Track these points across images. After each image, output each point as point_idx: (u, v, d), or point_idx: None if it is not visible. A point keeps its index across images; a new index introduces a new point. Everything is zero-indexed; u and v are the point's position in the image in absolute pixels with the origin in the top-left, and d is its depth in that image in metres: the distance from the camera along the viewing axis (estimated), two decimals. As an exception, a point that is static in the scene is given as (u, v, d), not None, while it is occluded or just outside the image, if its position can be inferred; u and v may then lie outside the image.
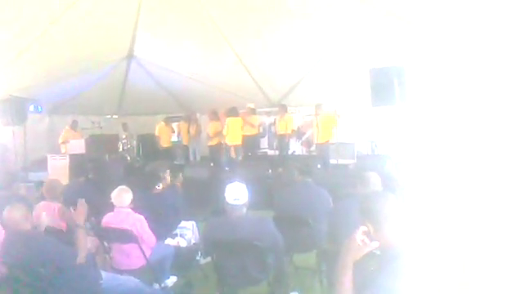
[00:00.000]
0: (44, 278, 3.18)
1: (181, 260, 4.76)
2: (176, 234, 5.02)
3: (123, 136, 13.13)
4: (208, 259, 4.90)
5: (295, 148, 12.02)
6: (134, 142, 13.51)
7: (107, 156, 12.01)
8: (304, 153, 12.09)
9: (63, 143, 10.96)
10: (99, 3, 8.28)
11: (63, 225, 4.28)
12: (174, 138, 13.12)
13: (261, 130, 12.22)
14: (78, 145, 10.39)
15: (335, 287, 2.13)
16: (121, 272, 4.08)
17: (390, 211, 2.08)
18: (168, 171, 5.44)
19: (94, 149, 11.12)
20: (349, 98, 10.71)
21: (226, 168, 10.48)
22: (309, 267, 4.76)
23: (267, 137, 13.14)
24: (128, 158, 12.68)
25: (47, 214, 3.97)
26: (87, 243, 3.91)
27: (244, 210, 3.75)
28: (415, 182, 5.51)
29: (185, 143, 12.45)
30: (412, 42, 7.56)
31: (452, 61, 6.63)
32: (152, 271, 4.26)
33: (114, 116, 14.40)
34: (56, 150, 10.81)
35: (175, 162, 11.64)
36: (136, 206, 4.43)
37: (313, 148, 11.49)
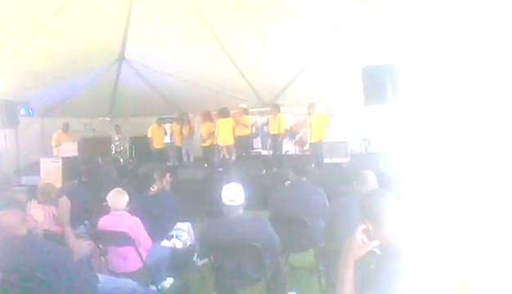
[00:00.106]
0: (41, 282, 3.15)
1: (178, 262, 4.75)
2: (172, 236, 5.01)
3: (116, 138, 13.06)
4: (205, 260, 4.90)
5: (288, 147, 12.06)
6: (127, 144, 13.45)
7: (100, 158, 11.97)
8: (298, 152, 12.13)
9: (56, 146, 10.89)
10: (89, 6, 8.24)
11: (58, 229, 4.24)
12: (167, 139, 13.08)
13: (254, 130, 12.23)
14: (70, 148, 10.34)
15: (336, 285, 2.14)
16: (118, 275, 4.05)
17: (390, 209, 2.08)
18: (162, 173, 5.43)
19: (87, 152, 11.08)
20: (341, 97, 10.75)
21: (220, 169, 10.46)
22: (306, 266, 4.77)
23: (259, 137, 13.16)
24: (121, 160, 12.62)
25: (43, 218, 3.93)
26: (76, 241, 3.91)
27: (241, 210, 3.75)
28: (409, 180, 5.53)
29: (178, 144, 12.40)
30: (404, 41, 7.60)
31: (445, 59, 6.67)
32: (149, 273, 4.24)
33: (107, 118, 14.34)
34: (48, 153, 10.75)
35: (168, 164, 11.61)
36: (131, 208, 4.41)
37: (306, 147, 11.54)
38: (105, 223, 4.20)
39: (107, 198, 4.29)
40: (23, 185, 8.01)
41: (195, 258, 5.03)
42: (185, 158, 12.20)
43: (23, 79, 9.64)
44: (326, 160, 9.77)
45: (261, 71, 10.96)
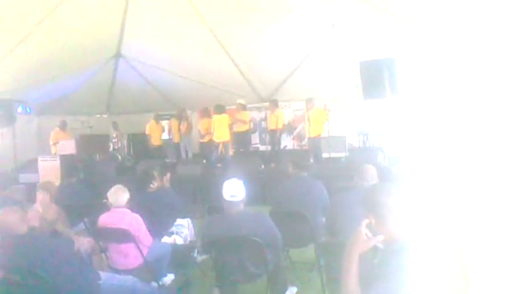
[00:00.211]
0: (43, 279, 3.15)
1: (178, 258, 4.75)
2: (172, 232, 5.01)
3: (114, 136, 13.05)
4: (205, 256, 4.91)
5: (286, 143, 12.07)
6: (125, 141, 13.43)
7: (98, 156, 11.96)
8: (296, 147, 12.15)
9: (54, 144, 10.86)
10: (86, 3, 8.21)
11: (58, 226, 4.24)
12: (165, 136, 13.06)
13: (252, 125, 12.21)
14: (68, 146, 10.31)
15: (338, 280, 2.13)
16: (118, 272, 4.05)
17: (393, 203, 2.07)
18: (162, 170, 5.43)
19: (85, 150, 11.06)
20: (339, 91, 10.76)
21: (219, 165, 10.47)
22: (306, 261, 4.78)
23: (258, 133, 13.16)
24: (119, 158, 12.62)
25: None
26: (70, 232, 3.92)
27: (242, 206, 3.75)
28: (409, 174, 5.54)
29: (176, 140, 12.38)
30: (402, 35, 7.59)
31: (443, 53, 6.67)
32: (150, 270, 4.23)
33: (104, 115, 14.30)
34: (45, 151, 10.72)
35: (166, 160, 11.60)
36: (131, 205, 4.40)
37: (305, 142, 11.55)
38: (105, 220, 4.19)
39: (108, 194, 4.28)
40: (21, 183, 7.99)
41: (195, 254, 5.03)
42: (183, 155, 12.19)
43: (20, 77, 9.59)
44: (325, 155, 9.79)
45: (258, 66, 10.93)
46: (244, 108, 11.37)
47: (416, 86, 6.86)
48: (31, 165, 10.04)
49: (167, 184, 5.63)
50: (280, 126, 10.94)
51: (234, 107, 11.43)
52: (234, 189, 3.71)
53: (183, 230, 5.12)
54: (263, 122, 12.84)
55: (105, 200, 4.95)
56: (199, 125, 11.74)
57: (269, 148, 11.85)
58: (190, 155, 12.21)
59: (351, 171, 5.26)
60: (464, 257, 2.65)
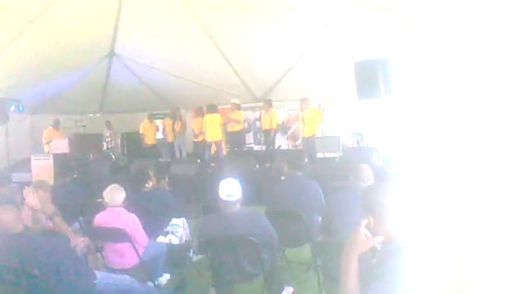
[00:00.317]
0: (39, 279, 3.13)
1: (174, 258, 4.74)
2: (167, 232, 5.00)
3: (107, 135, 12.99)
4: (201, 256, 4.91)
5: (281, 142, 12.09)
6: (118, 140, 13.37)
7: (91, 155, 11.90)
8: (290, 147, 12.17)
9: (47, 143, 10.80)
10: (79, 1, 8.16)
11: (57, 222, 4.21)
12: (159, 135, 13.02)
13: (246, 125, 12.21)
14: (61, 145, 10.26)
15: (334, 279, 2.13)
16: (114, 271, 4.04)
17: (392, 203, 2.08)
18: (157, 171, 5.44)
19: (78, 149, 11.01)
20: (333, 91, 10.78)
21: (212, 164, 10.46)
22: (302, 261, 4.79)
23: (252, 132, 13.16)
24: (113, 157, 12.56)
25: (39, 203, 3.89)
26: (68, 229, 3.90)
27: (238, 206, 3.75)
28: (404, 174, 5.57)
29: (170, 140, 12.35)
30: (397, 35, 7.62)
31: (438, 54, 6.71)
32: (146, 269, 4.22)
33: (97, 114, 14.23)
34: (38, 150, 10.67)
35: (160, 160, 11.57)
36: (126, 205, 4.39)
37: (299, 142, 11.57)
38: (101, 219, 4.17)
39: (104, 193, 4.26)
40: (14, 182, 7.93)
41: (190, 254, 5.02)
42: (177, 154, 12.17)
43: (12, 76, 9.52)
44: (319, 155, 9.82)
45: (253, 66, 10.93)
46: (238, 107, 11.36)
47: (411, 87, 6.89)
48: (24, 164, 9.99)
49: (166, 187, 5.64)
50: (275, 125, 10.94)
51: (228, 106, 11.41)
52: (230, 189, 3.72)
53: (178, 230, 5.12)
54: (257, 122, 12.85)
55: (99, 199, 4.94)
56: (192, 124, 11.71)
57: (263, 147, 11.87)
58: (184, 155, 12.19)
59: (346, 171, 5.29)
60: (461, 256, 2.67)
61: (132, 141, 13.28)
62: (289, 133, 12.42)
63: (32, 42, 8.71)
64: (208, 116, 10.65)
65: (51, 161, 9.35)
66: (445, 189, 3.69)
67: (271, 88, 11.85)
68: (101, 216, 4.21)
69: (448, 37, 6.49)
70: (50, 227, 4.09)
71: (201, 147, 11.37)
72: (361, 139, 10.88)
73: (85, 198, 6.17)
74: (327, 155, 9.76)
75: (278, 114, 11.34)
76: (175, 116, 12.05)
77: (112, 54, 11.16)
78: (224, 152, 11.17)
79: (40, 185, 4.47)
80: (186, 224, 5.37)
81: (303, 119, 10.18)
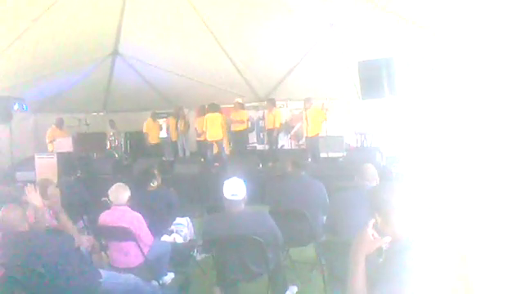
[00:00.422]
0: (43, 277, 3.14)
1: (178, 257, 4.75)
2: (172, 231, 5.00)
3: (111, 134, 13.00)
4: (205, 255, 4.91)
5: (284, 142, 12.07)
6: (122, 139, 13.37)
7: (95, 154, 11.91)
8: (293, 146, 12.15)
9: (50, 142, 10.81)
10: (83, 0, 8.17)
11: (59, 225, 4.22)
12: (163, 134, 13.02)
13: (249, 124, 12.20)
14: (65, 144, 10.25)
15: (346, 281, 2.11)
16: (119, 270, 4.04)
17: (400, 202, 2.07)
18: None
19: (81, 147, 11.01)
20: (337, 91, 10.77)
21: (216, 164, 10.45)
22: (306, 261, 4.78)
23: (255, 132, 13.15)
24: (116, 156, 12.57)
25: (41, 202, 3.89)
26: (73, 228, 3.91)
27: (243, 205, 3.76)
28: (408, 174, 5.56)
29: (173, 139, 12.36)
30: (401, 35, 7.60)
31: (442, 53, 6.70)
32: (150, 268, 4.23)
33: (101, 113, 14.25)
34: (42, 149, 10.67)
35: (163, 159, 11.57)
36: (131, 204, 4.39)
37: (302, 141, 11.56)
38: (106, 218, 4.18)
39: (109, 192, 4.26)
40: (18, 181, 7.95)
41: (194, 253, 5.03)
42: (180, 153, 12.17)
43: (16, 74, 9.53)
44: (322, 154, 9.79)
45: (256, 65, 10.93)
46: (241, 107, 11.34)
47: (415, 87, 6.87)
48: (28, 163, 10.00)
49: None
50: (278, 125, 10.92)
51: (231, 106, 11.42)
52: (235, 188, 3.72)
53: (183, 229, 5.12)
54: (261, 121, 12.83)
55: (103, 198, 4.95)
56: (195, 123, 11.70)
57: (266, 147, 11.85)
58: (187, 154, 12.19)
59: (350, 170, 5.27)
60: (466, 256, 2.67)
61: (136, 140, 13.28)
62: (292, 132, 12.41)
63: (35, 41, 8.73)
64: (208, 115, 10.62)
65: (54, 159, 9.35)
66: (450, 189, 3.69)
67: (275, 87, 11.85)
68: (106, 214, 4.21)
69: (452, 37, 6.47)
70: (54, 225, 4.09)
71: (204, 146, 11.37)
72: (365, 139, 10.85)
73: (89, 197, 6.19)
74: (330, 155, 9.74)
75: (281, 114, 11.32)
76: (178, 115, 12.05)
77: (115, 53, 11.18)
78: (227, 151, 11.17)
79: (50, 183, 4.50)
80: (191, 224, 5.37)
81: (306, 119, 10.17)
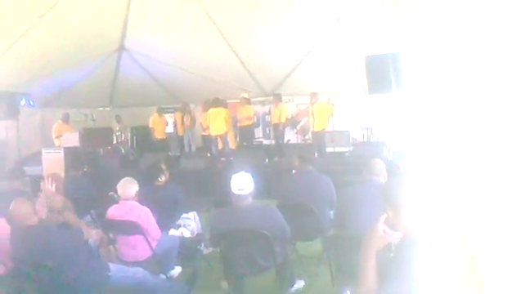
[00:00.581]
0: (52, 271, 3.17)
1: (186, 251, 4.77)
2: (179, 225, 5.02)
3: (117, 129, 13.03)
4: (212, 249, 4.93)
5: (290, 137, 12.07)
6: (128, 134, 13.40)
7: (101, 149, 11.96)
8: (299, 141, 12.13)
9: (57, 137, 10.87)
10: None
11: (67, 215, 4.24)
12: (169, 129, 13.04)
13: (255, 119, 12.20)
14: (72, 138, 10.30)
15: (357, 277, 2.11)
16: (127, 264, 4.07)
17: (413, 196, 2.06)
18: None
19: (88, 142, 11.05)
20: (343, 86, 10.73)
21: (222, 159, 10.46)
22: (313, 255, 4.79)
23: (261, 127, 13.16)
24: (123, 151, 12.61)
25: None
26: (79, 222, 3.94)
27: (250, 199, 3.76)
28: (415, 169, 5.53)
29: (180, 134, 12.39)
30: (408, 29, 7.54)
31: (450, 48, 6.65)
32: (158, 262, 4.26)
33: (107, 108, 14.29)
34: (49, 144, 10.72)
35: (169, 154, 11.59)
36: (139, 199, 4.41)
37: (308, 136, 11.54)
38: (114, 212, 4.21)
39: (117, 186, 4.28)
40: (26, 176, 8.00)
41: (201, 247, 5.05)
42: (187, 148, 12.20)
43: (23, 70, 9.57)
44: (329, 149, 9.79)
45: (262, 60, 10.91)
46: (248, 102, 11.35)
47: (422, 81, 6.83)
48: (35, 157, 10.06)
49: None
50: (284, 120, 10.92)
51: (238, 101, 11.42)
52: (242, 183, 3.72)
53: (190, 223, 5.13)
54: (267, 116, 12.83)
55: (111, 193, 4.98)
56: (201, 118, 11.73)
57: (272, 142, 11.85)
58: (193, 149, 12.21)
59: (356, 165, 5.26)
60: (475, 250, 2.65)
61: (142, 135, 13.33)
62: (298, 127, 12.39)
63: (42, 37, 8.76)
64: (211, 110, 10.64)
65: (61, 154, 9.41)
66: (458, 184, 3.67)
67: (281, 82, 11.83)
68: (114, 208, 4.24)
69: (460, 32, 6.42)
70: (64, 219, 4.12)
71: (209, 141, 11.39)
72: (371, 133, 10.83)
73: (96, 192, 6.23)
74: (337, 150, 9.73)
75: (287, 108, 11.32)
76: (185, 110, 12.07)
77: (122, 48, 11.21)
78: (233, 146, 11.18)
79: (55, 178, 4.52)
80: (198, 218, 5.39)
81: (312, 113, 10.14)
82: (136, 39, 10.70)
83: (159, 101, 13.01)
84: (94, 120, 12.56)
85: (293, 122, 12.23)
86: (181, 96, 12.86)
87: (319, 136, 10.13)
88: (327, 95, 10.32)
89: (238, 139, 11.72)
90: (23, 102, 10.23)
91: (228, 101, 11.30)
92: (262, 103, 12.87)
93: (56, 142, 10.82)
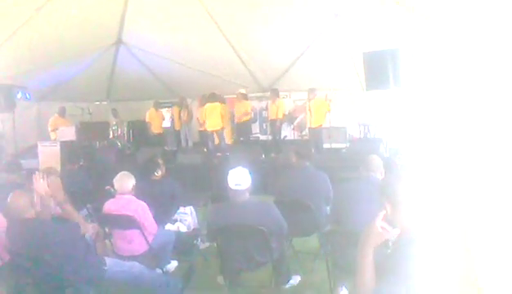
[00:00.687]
0: (50, 264, 3.17)
1: (182, 245, 4.77)
2: (175, 220, 5.03)
3: (114, 123, 12.99)
4: (208, 244, 4.94)
5: (287, 132, 12.07)
6: (124, 128, 13.37)
7: (98, 143, 11.93)
8: (296, 137, 12.14)
9: (53, 130, 10.84)
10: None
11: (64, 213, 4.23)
12: (166, 124, 13.02)
13: (252, 115, 12.20)
14: (68, 132, 10.28)
15: (355, 273, 2.11)
16: (123, 258, 4.07)
17: (410, 192, 2.07)
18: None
19: (84, 136, 11.03)
20: (341, 82, 10.73)
21: (218, 154, 10.46)
22: (309, 251, 4.80)
23: (258, 122, 13.15)
24: (119, 145, 12.57)
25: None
26: (79, 216, 3.93)
27: (247, 195, 3.76)
28: (412, 165, 5.55)
29: (177, 128, 12.38)
30: (406, 25, 7.55)
31: (448, 44, 6.65)
32: (154, 257, 4.26)
33: (104, 102, 14.23)
34: (45, 137, 10.70)
35: (166, 148, 11.58)
36: (136, 193, 4.40)
37: (305, 132, 11.55)
38: (110, 206, 4.20)
39: (114, 180, 4.28)
40: (23, 169, 7.98)
41: (198, 242, 5.05)
42: (183, 143, 12.19)
43: (19, 63, 9.53)
44: (325, 145, 9.81)
45: (260, 56, 10.90)
46: (245, 97, 11.35)
47: (420, 78, 6.84)
48: (31, 151, 10.03)
49: None
50: (281, 116, 10.93)
51: (235, 96, 11.40)
52: (239, 178, 3.72)
53: (186, 218, 5.14)
54: (264, 112, 12.82)
55: (107, 187, 4.97)
56: (197, 113, 11.71)
57: (269, 137, 11.86)
58: (190, 144, 12.20)
59: (353, 161, 5.27)
60: (472, 248, 2.67)
61: (139, 129, 13.27)
62: (295, 123, 12.39)
63: (39, 30, 8.71)
64: (208, 105, 10.62)
65: (57, 148, 9.38)
66: (455, 181, 3.68)
67: (278, 78, 11.82)
68: (111, 203, 4.23)
69: (459, 29, 6.43)
70: (59, 213, 4.10)
71: (205, 136, 11.38)
72: (368, 130, 10.85)
73: (92, 186, 6.22)
74: (334, 146, 9.75)
75: (284, 104, 11.32)
76: (182, 105, 12.05)
77: (119, 42, 11.15)
78: (229, 141, 11.17)
79: (51, 172, 4.50)
80: (194, 213, 5.39)
81: (310, 109, 10.14)
82: (133, 33, 10.64)
83: (156, 95, 12.97)
84: (90, 114, 12.51)
85: (290, 118, 12.23)
86: (179, 91, 12.84)
87: (316, 132, 10.14)
88: (325, 91, 10.31)
89: (235, 134, 11.71)
90: (19, 95, 10.20)
91: (225, 96, 11.28)
92: (260, 98, 12.86)
93: (52, 136, 10.79)
